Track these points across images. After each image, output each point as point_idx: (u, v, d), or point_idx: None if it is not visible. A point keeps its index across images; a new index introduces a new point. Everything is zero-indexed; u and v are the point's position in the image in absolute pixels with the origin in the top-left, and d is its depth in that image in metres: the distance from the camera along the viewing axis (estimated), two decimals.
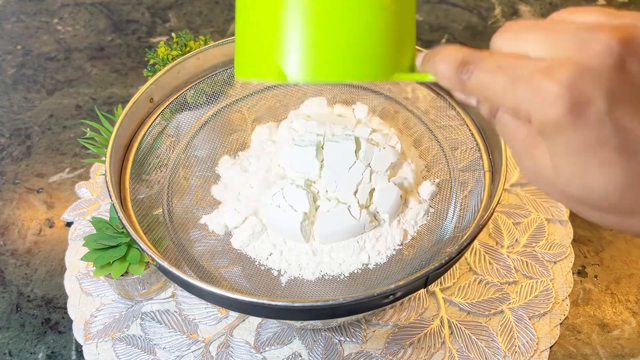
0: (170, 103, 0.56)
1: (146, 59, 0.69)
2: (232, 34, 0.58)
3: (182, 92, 0.57)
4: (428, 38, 0.96)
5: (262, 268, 0.49)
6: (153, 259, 0.41)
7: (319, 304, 0.38)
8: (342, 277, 0.48)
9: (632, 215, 0.28)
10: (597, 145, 0.26)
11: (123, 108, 0.52)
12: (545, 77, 0.27)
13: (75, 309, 0.63)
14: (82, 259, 0.59)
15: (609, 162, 0.27)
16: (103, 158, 0.67)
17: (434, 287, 0.63)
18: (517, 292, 0.63)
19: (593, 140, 0.26)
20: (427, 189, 0.52)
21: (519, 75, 0.28)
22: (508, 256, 0.66)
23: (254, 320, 0.61)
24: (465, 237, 0.41)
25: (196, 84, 0.57)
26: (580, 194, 0.28)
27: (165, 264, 0.41)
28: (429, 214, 0.51)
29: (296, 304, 0.37)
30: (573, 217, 0.70)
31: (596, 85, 0.26)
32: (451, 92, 0.33)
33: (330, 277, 0.48)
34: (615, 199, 0.28)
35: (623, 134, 0.26)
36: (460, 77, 0.31)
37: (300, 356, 0.59)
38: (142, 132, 0.53)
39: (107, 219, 0.61)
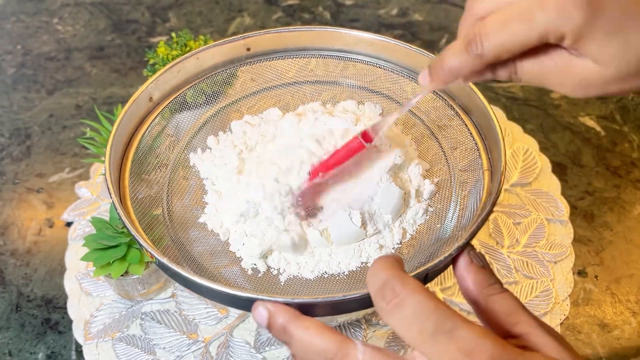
0: (169, 102, 0.56)
1: (146, 58, 0.69)
2: (232, 34, 0.58)
3: (181, 91, 0.57)
4: (428, 38, 0.96)
5: None
6: (153, 256, 0.41)
7: (318, 300, 0.38)
8: (341, 275, 0.48)
9: None
10: (626, 15, 0.30)
11: (123, 108, 0.52)
12: None
13: (75, 309, 0.63)
14: (82, 259, 0.59)
15: None
16: (103, 158, 0.67)
17: (433, 286, 0.63)
18: (517, 292, 0.63)
19: (619, 14, 0.30)
20: (426, 188, 0.52)
21: (530, 11, 0.32)
22: (508, 256, 0.66)
23: (254, 320, 0.61)
24: (465, 234, 0.41)
25: (196, 84, 0.57)
26: (629, 65, 0.32)
27: (166, 261, 0.41)
28: (428, 213, 0.51)
29: (296, 300, 0.37)
30: (573, 217, 0.70)
31: None
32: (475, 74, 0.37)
33: (329, 276, 0.48)
34: None
35: None
36: (474, 53, 0.35)
37: None
38: (142, 131, 0.53)
39: (107, 219, 0.61)
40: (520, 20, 0.32)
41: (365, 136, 0.47)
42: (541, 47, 0.34)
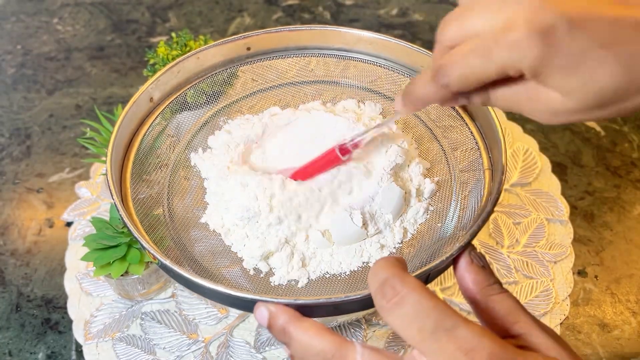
0: (170, 102, 0.56)
1: (146, 58, 0.69)
2: (232, 34, 0.58)
3: (182, 91, 0.56)
4: (428, 38, 0.96)
5: None
6: (155, 258, 0.41)
7: (320, 301, 0.38)
8: (342, 275, 0.48)
9: (626, 99, 0.32)
10: (585, 52, 0.30)
11: (123, 108, 0.52)
12: (508, 32, 0.31)
13: (75, 309, 0.63)
14: (82, 259, 0.59)
15: (603, 59, 0.30)
16: (103, 158, 0.67)
17: (434, 286, 0.63)
18: (517, 292, 0.63)
19: (577, 49, 0.30)
20: (426, 187, 0.52)
21: (487, 47, 0.32)
22: (508, 256, 0.66)
23: (254, 320, 0.61)
24: (465, 234, 0.41)
25: (196, 84, 0.57)
26: (588, 99, 0.32)
27: (168, 263, 0.41)
28: (429, 212, 0.51)
29: (297, 302, 0.37)
30: (573, 217, 0.70)
31: (552, 12, 0.30)
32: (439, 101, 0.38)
33: (331, 276, 0.48)
34: (623, 84, 0.31)
35: (600, 33, 0.30)
36: (440, 84, 0.36)
37: None
38: (142, 132, 0.53)
39: (107, 219, 0.61)
40: (478, 56, 0.33)
41: (343, 150, 0.49)
42: (509, 78, 0.34)
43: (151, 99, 0.54)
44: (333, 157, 0.50)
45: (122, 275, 0.59)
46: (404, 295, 0.31)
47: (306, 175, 0.50)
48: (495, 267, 0.65)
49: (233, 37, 0.58)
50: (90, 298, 0.64)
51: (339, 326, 0.60)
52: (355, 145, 0.49)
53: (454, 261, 0.40)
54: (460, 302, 0.62)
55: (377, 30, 0.96)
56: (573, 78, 0.31)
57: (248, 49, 0.59)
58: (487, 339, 0.30)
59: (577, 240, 0.68)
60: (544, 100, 0.33)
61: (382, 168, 0.50)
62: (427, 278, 0.41)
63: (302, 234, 0.49)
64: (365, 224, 0.48)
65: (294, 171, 0.51)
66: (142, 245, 0.42)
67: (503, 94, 0.35)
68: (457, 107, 0.54)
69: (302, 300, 0.38)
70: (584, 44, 0.30)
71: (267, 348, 0.59)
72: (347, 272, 0.48)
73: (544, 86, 0.33)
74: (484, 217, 0.43)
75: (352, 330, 0.60)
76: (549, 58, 0.31)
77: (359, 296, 0.38)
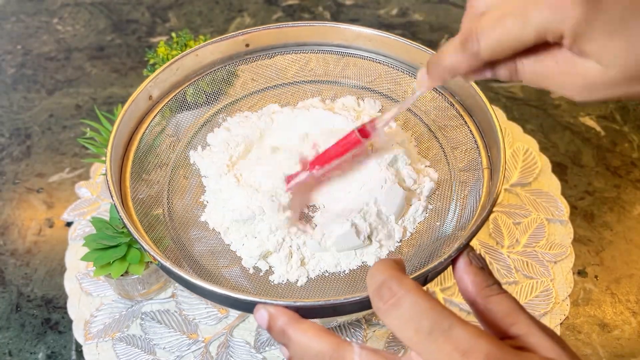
0: (169, 101, 0.56)
1: (146, 58, 0.69)
2: (232, 33, 0.58)
3: (181, 89, 0.56)
4: (428, 38, 0.96)
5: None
6: (155, 259, 0.41)
7: (320, 303, 0.38)
8: (341, 274, 0.48)
9: None
10: (631, 12, 0.28)
11: (123, 107, 0.52)
12: None
13: (75, 309, 0.63)
14: (82, 259, 0.59)
15: None
16: (103, 158, 0.67)
17: (433, 286, 0.63)
18: (517, 292, 0.63)
19: (621, 10, 0.28)
20: (425, 185, 0.52)
21: (525, 9, 0.30)
22: (508, 256, 0.66)
23: (254, 320, 0.61)
24: (464, 235, 0.41)
25: (195, 81, 0.57)
26: (631, 68, 0.29)
27: (168, 264, 0.41)
28: (428, 210, 0.51)
29: (297, 304, 0.37)
30: (573, 217, 0.70)
31: None
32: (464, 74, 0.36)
33: (330, 275, 0.48)
34: None
35: None
36: (470, 51, 0.34)
37: None
38: (142, 131, 0.53)
39: (107, 219, 0.61)
40: (514, 18, 0.31)
41: (363, 131, 0.47)
42: (542, 47, 0.32)
43: (150, 97, 0.54)
44: (353, 140, 0.47)
45: (122, 275, 0.59)
46: (400, 297, 0.31)
47: (326, 161, 0.48)
48: (495, 267, 0.65)
49: (232, 33, 0.58)
50: (90, 298, 0.64)
51: (339, 326, 0.60)
52: (373, 127, 0.46)
53: (452, 262, 0.40)
54: (459, 302, 0.62)
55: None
56: (616, 43, 0.29)
57: (247, 45, 0.59)
58: (484, 339, 0.30)
59: (577, 240, 0.68)
60: (580, 72, 0.31)
61: (380, 164, 0.50)
62: (425, 279, 0.41)
63: (300, 238, 0.49)
64: (369, 238, 0.48)
65: (314, 158, 0.49)
66: (142, 247, 0.42)
67: (533, 66, 0.33)
68: (456, 106, 0.54)
69: (301, 302, 0.38)
70: (630, 4, 0.28)
71: (267, 348, 0.59)
72: (347, 271, 0.48)
73: (581, 55, 0.31)
74: (483, 217, 0.43)
75: (352, 330, 0.60)
76: (592, 19, 0.29)
77: (357, 298, 0.38)
